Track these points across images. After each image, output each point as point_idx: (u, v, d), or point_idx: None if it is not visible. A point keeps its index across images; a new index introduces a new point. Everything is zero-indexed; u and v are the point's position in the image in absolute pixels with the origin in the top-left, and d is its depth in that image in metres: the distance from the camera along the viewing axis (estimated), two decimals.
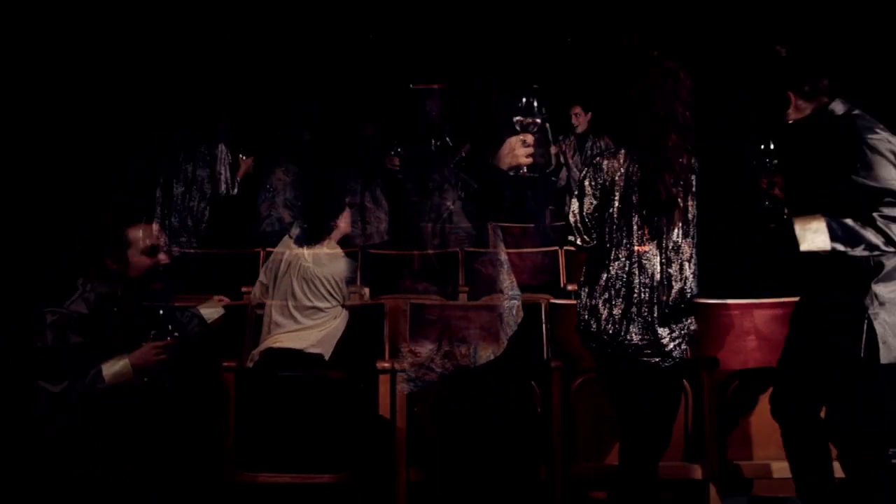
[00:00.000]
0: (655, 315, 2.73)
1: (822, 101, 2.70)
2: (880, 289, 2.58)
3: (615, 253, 2.78)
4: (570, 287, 4.81)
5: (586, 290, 2.85)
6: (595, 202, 2.81)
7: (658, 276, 2.74)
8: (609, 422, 3.29)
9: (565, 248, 5.17)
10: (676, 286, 2.75)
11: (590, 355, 2.92)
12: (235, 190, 5.43)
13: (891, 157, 2.50)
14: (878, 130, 2.55)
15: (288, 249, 3.85)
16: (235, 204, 5.48)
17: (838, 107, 2.69)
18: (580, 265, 4.98)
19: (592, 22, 5.80)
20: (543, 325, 3.86)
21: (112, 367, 2.74)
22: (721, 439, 3.39)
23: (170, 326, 2.80)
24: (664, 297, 2.74)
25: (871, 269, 2.58)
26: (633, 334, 2.74)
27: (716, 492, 3.36)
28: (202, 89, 5.39)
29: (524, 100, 2.57)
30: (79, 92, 4.41)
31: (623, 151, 2.81)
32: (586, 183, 2.83)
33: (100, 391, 2.71)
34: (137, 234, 2.85)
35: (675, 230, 2.75)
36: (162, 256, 2.88)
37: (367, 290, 4.58)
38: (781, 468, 3.44)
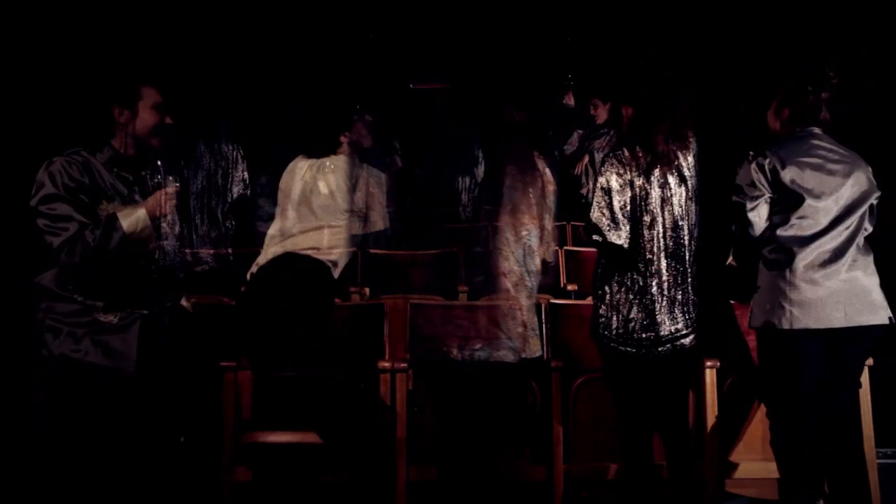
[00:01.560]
0: (686, 300, 2.90)
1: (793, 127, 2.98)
2: (774, 254, 2.90)
3: (648, 247, 2.87)
4: (569, 287, 4.81)
5: (611, 289, 2.91)
6: (625, 198, 2.88)
7: (682, 266, 2.90)
8: (609, 422, 3.29)
9: (565, 248, 5.17)
10: (693, 275, 2.92)
11: (598, 355, 2.98)
12: (248, 191, 5.41)
13: (752, 175, 2.91)
14: (766, 153, 2.90)
15: (298, 168, 3.71)
16: (235, 204, 5.47)
17: (811, 129, 2.96)
18: (580, 265, 5.00)
19: (598, 21, 5.81)
20: (543, 326, 3.86)
21: (128, 217, 2.68)
22: (721, 439, 3.39)
23: (171, 177, 2.78)
24: (689, 285, 2.91)
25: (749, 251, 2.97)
26: (667, 323, 2.87)
27: (716, 492, 3.36)
28: (209, 90, 5.38)
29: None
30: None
31: (635, 150, 2.92)
32: (614, 179, 2.89)
33: (117, 243, 2.64)
34: (150, 90, 2.81)
35: (687, 222, 2.90)
36: (167, 118, 2.83)
37: (367, 290, 4.58)
38: None
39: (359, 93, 5.93)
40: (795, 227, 2.86)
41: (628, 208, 2.88)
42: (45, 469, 2.65)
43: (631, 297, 2.88)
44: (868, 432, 3.35)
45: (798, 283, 2.83)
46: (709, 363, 3.35)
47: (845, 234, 2.86)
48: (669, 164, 2.89)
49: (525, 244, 3.47)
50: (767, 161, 2.88)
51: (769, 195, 2.89)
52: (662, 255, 2.88)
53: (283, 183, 3.66)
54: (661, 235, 2.89)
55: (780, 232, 2.88)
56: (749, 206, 2.90)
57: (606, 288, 2.92)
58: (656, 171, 2.89)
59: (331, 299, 3.52)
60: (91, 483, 2.64)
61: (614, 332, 2.89)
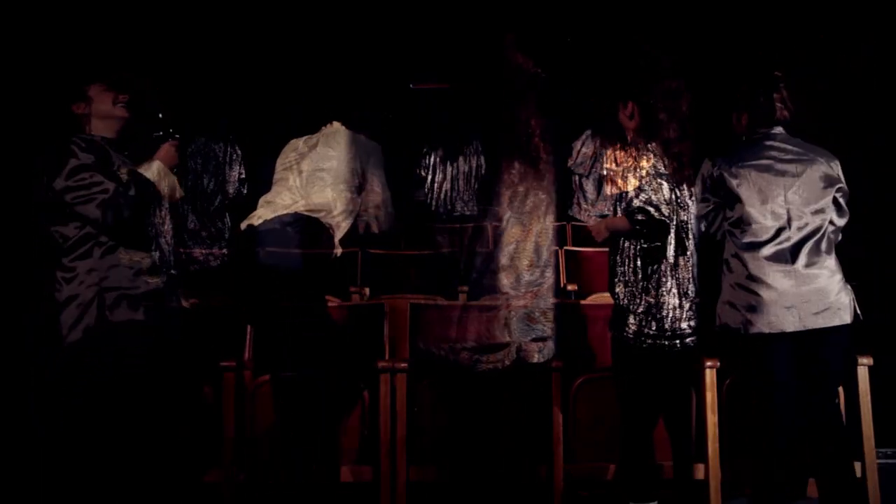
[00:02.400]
0: (696, 295, 2.99)
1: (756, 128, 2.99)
2: (730, 258, 2.94)
3: (676, 240, 2.95)
4: (569, 287, 4.81)
5: (641, 284, 2.97)
6: (669, 186, 2.97)
7: (693, 261, 2.99)
8: (609, 422, 3.30)
9: (565, 248, 5.17)
10: (693, 274, 2.99)
11: (598, 354, 3.01)
12: (245, 188, 5.42)
13: (703, 180, 2.98)
14: (714, 161, 2.94)
15: (294, 143, 3.68)
16: (237, 203, 5.48)
17: (772, 130, 2.97)
18: (580, 265, 4.99)
19: (598, 22, 5.81)
20: None
21: (148, 170, 2.81)
22: (721, 439, 3.39)
23: (171, 129, 2.90)
24: (693, 285, 2.99)
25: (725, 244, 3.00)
26: (693, 316, 2.97)
27: (716, 492, 3.36)
28: (209, 90, 5.38)
29: None
30: None
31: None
32: (661, 166, 2.98)
33: (151, 193, 2.78)
34: (97, 81, 2.88)
35: (691, 222, 3.00)
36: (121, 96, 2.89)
37: (367, 290, 4.57)
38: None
39: (359, 92, 5.92)
40: (745, 232, 2.89)
41: (672, 195, 2.96)
42: (46, 467, 2.65)
43: (663, 290, 2.94)
44: (868, 432, 3.35)
45: (750, 286, 2.85)
46: (709, 363, 3.35)
47: (798, 235, 2.87)
48: (681, 164, 2.95)
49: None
50: (714, 169, 2.93)
51: (715, 201, 2.96)
52: (684, 248, 2.96)
53: (280, 158, 3.64)
54: (683, 229, 2.96)
55: (731, 237, 2.93)
56: (700, 212, 2.99)
57: (641, 284, 2.97)
58: (673, 170, 2.96)
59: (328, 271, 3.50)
60: (92, 481, 2.64)
61: (644, 327, 2.94)
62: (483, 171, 6.14)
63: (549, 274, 3.40)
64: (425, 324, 3.78)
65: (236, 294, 4.23)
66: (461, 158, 6.18)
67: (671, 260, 2.94)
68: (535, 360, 3.23)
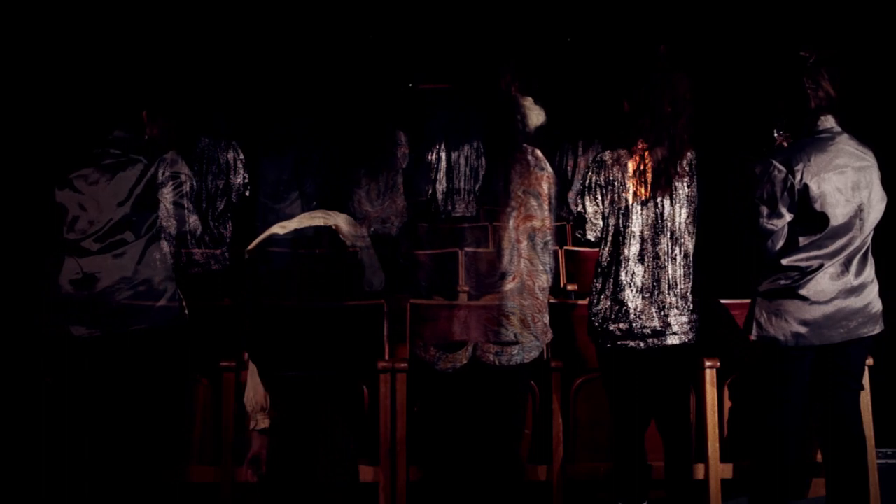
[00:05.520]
0: (667, 302, 2.89)
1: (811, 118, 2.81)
2: (761, 279, 2.87)
3: (628, 246, 2.92)
4: (569, 287, 4.81)
5: (599, 286, 2.99)
6: (602, 198, 2.95)
7: (669, 266, 2.90)
8: (608, 422, 3.29)
9: (565, 248, 5.17)
10: (681, 273, 2.90)
11: (596, 354, 2.99)
12: (248, 192, 5.44)
13: (773, 188, 2.76)
14: (793, 165, 2.73)
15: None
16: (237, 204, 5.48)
17: (827, 122, 2.81)
18: (580, 265, 5.00)
19: (596, 21, 5.82)
20: None
21: None
22: (721, 439, 3.40)
23: None
24: (673, 285, 2.90)
25: (758, 262, 2.90)
26: (648, 320, 2.89)
27: (716, 492, 3.36)
28: (208, 89, 5.39)
29: None
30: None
31: (624, 150, 2.95)
32: (594, 179, 2.97)
33: None
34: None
35: (679, 221, 2.90)
36: None
37: None
38: None
39: (359, 92, 5.93)
40: (814, 244, 2.76)
41: (614, 208, 2.93)
42: (46, 467, 2.66)
43: (616, 293, 2.93)
44: (868, 432, 3.35)
45: (807, 301, 2.76)
46: (709, 363, 3.35)
47: (855, 245, 2.79)
48: (662, 166, 2.89)
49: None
50: (795, 178, 2.72)
51: (791, 215, 2.77)
52: (644, 255, 2.92)
53: None
54: (644, 235, 2.93)
55: (794, 247, 2.78)
56: (771, 227, 2.79)
57: (598, 284, 3.00)
58: (648, 173, 2.90)
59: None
60: (92, 480, 2.65)
61: (605, 325, 2.95)
62: (483, 172, 6.15)
63: (510, 278, 3.40)
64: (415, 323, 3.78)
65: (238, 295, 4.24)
66: (462, 159, 6.18)
67: (630, 264, 2.91)
68: (491, 362, 3.22)
